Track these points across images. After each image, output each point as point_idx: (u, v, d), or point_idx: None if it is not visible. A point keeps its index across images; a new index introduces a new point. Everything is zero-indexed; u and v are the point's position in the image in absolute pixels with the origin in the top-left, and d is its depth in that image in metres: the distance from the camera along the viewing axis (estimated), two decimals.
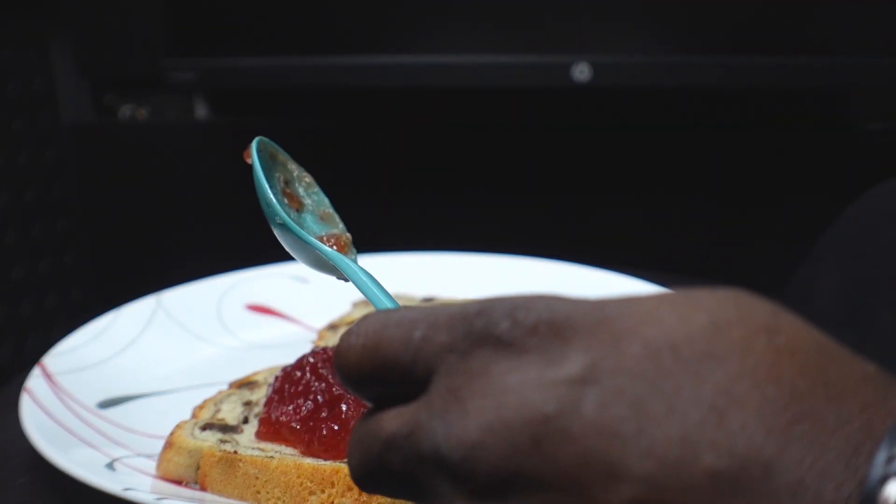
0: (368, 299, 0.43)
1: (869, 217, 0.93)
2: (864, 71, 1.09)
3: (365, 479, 0.32)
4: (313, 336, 0.74)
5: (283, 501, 0.53)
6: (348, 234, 0.51)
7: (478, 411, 0.28)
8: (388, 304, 0.41)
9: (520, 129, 1.27)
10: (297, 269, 0.82)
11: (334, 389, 0.56)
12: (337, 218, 0.53)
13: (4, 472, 0.59)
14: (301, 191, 0.53)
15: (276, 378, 0.58)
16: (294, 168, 0.54)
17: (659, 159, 1.25)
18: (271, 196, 0.49)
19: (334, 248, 0.49)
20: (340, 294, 0.77)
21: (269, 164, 0.52)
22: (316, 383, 0.56)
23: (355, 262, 0.48)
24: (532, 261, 0.82)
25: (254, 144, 0.51)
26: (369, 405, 0.33)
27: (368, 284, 0.43)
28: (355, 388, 0.33)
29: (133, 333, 0.73)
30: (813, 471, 0.26)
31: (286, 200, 0.51)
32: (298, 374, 0.57)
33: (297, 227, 0.49)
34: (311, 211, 0.52)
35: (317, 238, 0.49)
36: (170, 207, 1.32)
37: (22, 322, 1.16)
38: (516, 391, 0.28)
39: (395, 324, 0.32)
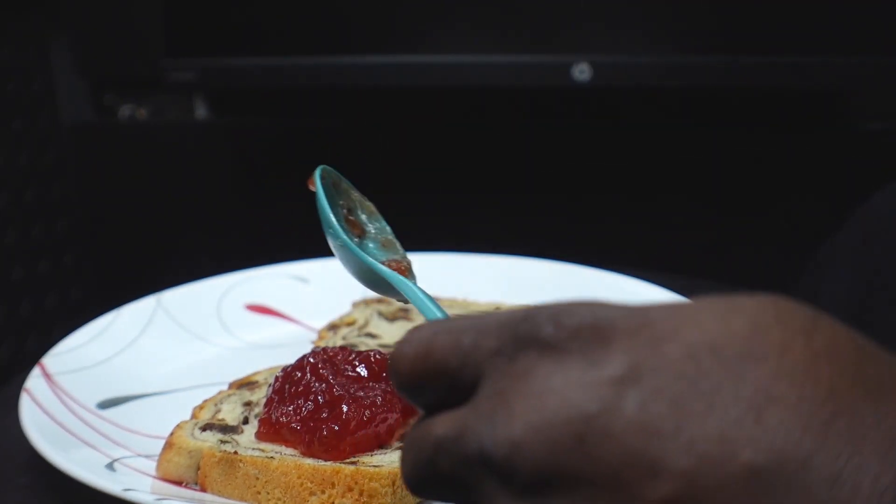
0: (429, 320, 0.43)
1: (876, 219, 0.93)
2: (864, 71, 1.09)
3: (416, 483, 0.33)
4: (313, 336, 0.74)
5: (284, 502, 0.53)
6: (409, 260, 0.53)
7: (522, 411, 0.29)
8: (428, 305, 0.42)
9: (520, 129, 1.27)
10: (297, 269, 0.82)
11: (334, 390, 0.56)
12: (398, 245, 0.55)
13: (4, 473, 0.59)
14: (364, 218, 0.55)
15: (277, 378, 0.58)
16: (357, 196, 0.56)
17: (659, 159, 1.25)
18: (333, 219, 0.52)
19: (396, 271, 0.51)
20: (340, 294, 0.77)
21: (332, 192, 0.54)
22: (316, 384, 0.56)
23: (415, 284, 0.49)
24: (532, 261, 0.82)
25: (317, 172, 0.53)
26: (423, 412, 0.34)
27: (429, 305, 0.44)
28: (409, 395, 0.34)
29: (133, 333, 0.73)
30: (850, 465, 0.26)
31: (349, 227, 0.53)
32: (298, 374, 0.57)
33: (357, 249, 0.51)
34: (374, 238, 0.54)
35: (378, 262, 0.51)
36: (170, 207, 1.32)
37: (22, 322, 1.16)
38: (559, 391, 0.29)
39: (445, 331, 0.33)
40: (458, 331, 0.32)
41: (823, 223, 0.98)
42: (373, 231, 0.55)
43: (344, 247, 0.51)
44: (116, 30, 1.24)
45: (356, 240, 0.53)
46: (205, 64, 1.15)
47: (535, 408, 0.29)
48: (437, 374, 0.32)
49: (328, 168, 0.55)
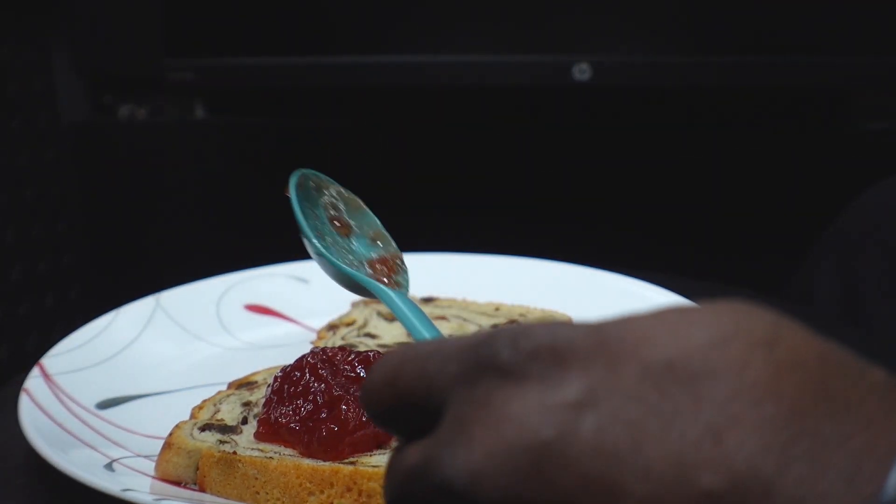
0: (407, 329, 0.43)
1: (868, 214, 0.93)
2: (864, 71, 1.09)
3: None
4: (312, 336, 0.74)
5: (283, 502, 0.53)
6: (399, 254, 0.53)
7: (481, 439, 0.29)
8: (427, 334, 0.41)
9: (520, 129, 1.27)
10: (296, 269, 0.82)
11: (333, 390, 0.56)
12: (388, 237, 0.54)
13: (3, 473, 0.59)
14: (350, 215, 0.55)
15: (276, 379, 0.58)
16: (340, 193, 0.55)
17: (659, 159, 1.25)
18: (306, 228, 0.51)
19: (383, 269, 0.51)
20: (339, 294, 0.76)
21: (313, 195, 0.54)
22: (315, 384, 0.56)
23: (405, 283, 0.49)
24: (532, 261, 0.82)
25: (292, 180, 0.53)
26: (401, 439, 0.34)
27: (406, 313, 0.43)
28: (382, 424, 0.34)
29: (132, 334, 0.72)
30: (814, 491, 0.26)
31: (334, 228, 0.53)
32: (297, 374, 0.57)
33: (333, 258, 0.51)
34: (361, 234, 0.54)
35: (366, 261, 0.51)
36: (169, 207, 1.32)
37: (21, 322, 1.16)
38: (517, 417, 0.28)
39: (411, 358, 0.32)
40: (423, 357, 0.32)
41: (824, 223, 0.98)
42: (360, 227, 0.54)
43: (321, 255, 0.51)
44: (116, 30, 1.24)
45: (343, 240, 0.52)
46: (204, 64, 1.15)
47: (493, 434, 0.28)
48: (405, 402, 0.32)
49: (307, 171, 0.54)
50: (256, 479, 0.53)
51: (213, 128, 1.31)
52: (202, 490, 0.55)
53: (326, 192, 0.54)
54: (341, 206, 0.55)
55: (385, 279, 0.52)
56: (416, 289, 0.79)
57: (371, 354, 0.59)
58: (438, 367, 0.31)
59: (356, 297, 0.78)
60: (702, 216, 1.25)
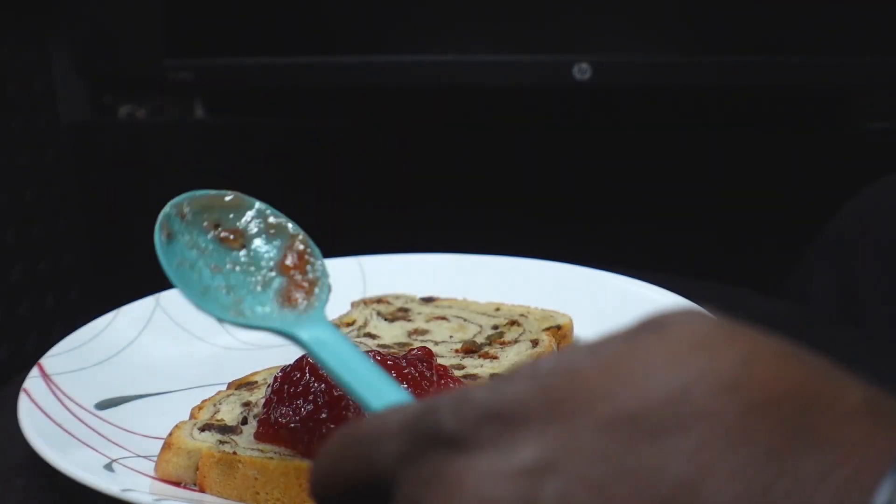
0: (337, 384, 0.39)
1: (865, 214, 0.93)
2: (864, 71, 1.09)
3: None
4: None
5: (282, 502, 0.53)
6: (300, 233, 0.49)
7: None
8: (344, 373, 0.39)
9: (520, 129, 1.27)
10: None
11: (334, 390, 0.56)
12: (280, 216, 0.50)
13: (2, 473, 0.59)
14: (235, 221, 0.50)
15: (276, 379, 0.58)
16: (213, 199, 0.50)
17: (659, 159, 1.25)
18: (202, 307, 0.47)
19: (295, 269, 0.48)
20: (339, 294, 0.76)
21: (187, 229, 0.49)
22: (315, 384, 0.56)
23: (322, 273, 0.47)
24: (532, 261, 0.82)
25: (158, 236, 0.48)
26: None
27: (333, 366, 0.40)
28: None
29: (132, 334, 0.72)
30: None
31: (225, 244, 0.49)
32: (297, 374, 0.57)
33: (239, 319, 0.47)
34: (255, 234, 0.50)
35: (276, 265, 0.49)
36: None
37: (21, 322, 1.16)
38: (472, 489, 0.26)
39: (350, 442, 0.30)
40: (362, 440, 0.30)
41: (825, 223, 0.98)
42: (251, 229, 0.50)
43: (224, 321, 0.46)
44: (116, 30, 1.24)
45: (239, 255, 0.49)
46: (204, 64, 1.15)
47: None
48: (352, 490, 0.30)
49: (166, 211, 0.48)
50: (256, 479, 0.53)
51: (213, 128, 1.31)
52: (202, 490, 0.55)
53: (202, 211, 0.50)
54: (221, 216, 0.50)
55: (304, 283, 0.48)
56: (417, 289, 0.79)
57: (371, 355, 0.59)
58: (379, 448, 0.29)
59: (356, 297, 0.79)
60: (701, 216, 1.25)
